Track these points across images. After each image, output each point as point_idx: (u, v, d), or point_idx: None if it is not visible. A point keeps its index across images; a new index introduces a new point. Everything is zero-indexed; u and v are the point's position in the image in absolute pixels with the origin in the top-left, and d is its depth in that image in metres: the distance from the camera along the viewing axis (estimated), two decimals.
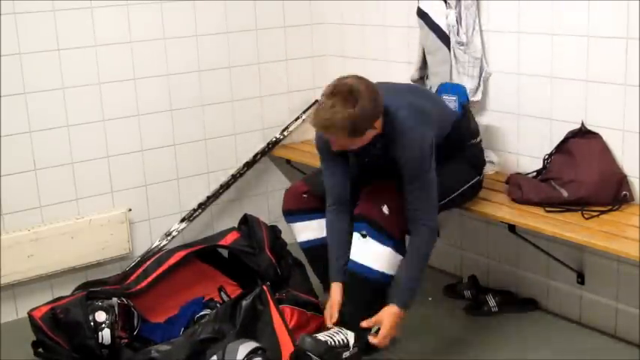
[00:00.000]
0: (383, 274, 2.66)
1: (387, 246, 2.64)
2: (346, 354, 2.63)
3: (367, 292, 2.69)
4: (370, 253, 2.65)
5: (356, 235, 2.66)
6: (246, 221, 3.35)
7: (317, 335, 2.63)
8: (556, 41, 2.96)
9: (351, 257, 2.69)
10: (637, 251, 2.45)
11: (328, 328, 2.71)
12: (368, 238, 2.62)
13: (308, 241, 2.99)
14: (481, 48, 3.16)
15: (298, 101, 3.96)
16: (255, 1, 3.74)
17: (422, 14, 3.30)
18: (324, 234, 2.90)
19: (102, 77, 3.38)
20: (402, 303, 2.64)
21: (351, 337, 2.66)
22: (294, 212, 2.97)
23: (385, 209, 2.61)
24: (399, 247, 2.67)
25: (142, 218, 3.59)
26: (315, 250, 2.98)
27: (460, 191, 2.85)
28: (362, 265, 2.66)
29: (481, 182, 2.96)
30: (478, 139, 2.97)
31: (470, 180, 2.89)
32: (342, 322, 2.69)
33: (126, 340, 2.91)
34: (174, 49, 3.55)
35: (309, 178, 3.05)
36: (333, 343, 2.60)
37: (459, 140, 2.88)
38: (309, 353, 2.55)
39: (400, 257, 2.67)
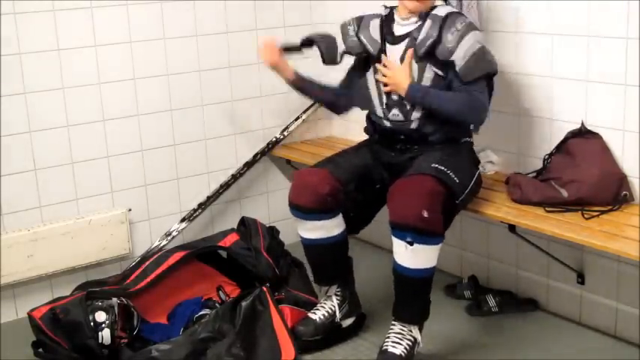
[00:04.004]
0: (434, 268, 2.69)
1: (435, 244, 2.65)
2: (417, 349, 2.75)
3: (422, 289, 2.72)
4: (420, 257, 2.64)
5: (401, 244, 2.62)
6: (244, 223, 3.35)
7: (390, 349, 2.69)
8: (556, 41, 2.96)
9: (400, 263, 2.66)
10: (637, 251, 2.45)
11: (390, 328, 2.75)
12: (415, 245, 2.60)
13: (310, 239, 2.93)
14: None
15: (298, 101, 3.95)
16: (255, 1, 3.74)
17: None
18: (328, 234, 2.90)
19: (102, 77, 3.38)
20: (415, 88, 2.77)
21: (416, 332, 2.74)
22: (308, 211, 2.86)
23: (425, 213, 2.58)
24: (443, 237, 2.69)
25: (142, 218, 3.59)
26: (315, 248, 2.95)
27: (470, 187, 2.85)
28: (414, 270, 2.65)
29: (481, 178, 2.97)
30: (471, 140, 3.00)
31: (474, 175, 2.89)
32: (405, 321, 2.74)
33: (125, 340, 2.91)
34: (174, 49, 3.55)
35: (330, 165, 2.93)
36: (406, 351, 2.70)
37: (461, 129, 2.92)
38: None
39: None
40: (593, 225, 2.66)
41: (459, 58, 2.74)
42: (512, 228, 2.85)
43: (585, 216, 2.71)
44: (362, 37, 2.95)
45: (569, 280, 3.08)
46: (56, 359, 2.82)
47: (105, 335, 2.85)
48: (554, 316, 3.15)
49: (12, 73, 3.17)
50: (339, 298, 3.02)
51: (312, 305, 3.06)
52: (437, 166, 2.72)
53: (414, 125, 2.86)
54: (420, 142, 2.89)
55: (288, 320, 2.94)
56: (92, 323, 2.84)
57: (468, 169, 2.87)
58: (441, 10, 2.82)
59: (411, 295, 2.72)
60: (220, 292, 3.27)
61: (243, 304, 2.89)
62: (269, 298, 2.93)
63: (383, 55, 2.88)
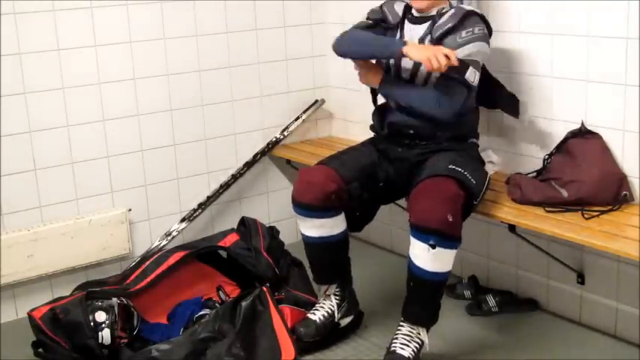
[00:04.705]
0: (450, 272, 2.70)
1: (455, 248, 2.67)
2: (423, 351, 2.75)
3: (437, 292, 2.73)
4: (440, 260, 2.64)
5: (423, 247, 2.61)
6: (244, 223, 3.35)
7: (398, 351, 2.70)
8: (556, 41, 2.96)
9: (419, 265, 2.66)
10: (637, 251, 2.45)
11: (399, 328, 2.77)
12: (438, 248, 2.60)
13: (312, 237, 2.92)
14: None
15: (298, 101, 3.96)
16: (255, 1, 3.74)
17: None
18: (329, 233, 2.89)
19: (102, 77, 3.38)
20: (387, 82, 2.90)
21: (424, 335, 2.75)
22: (311, 208, 2.84)
23: (450, 217, 2.60)
24: (461, 241, 2.70)
25: (142, 218, 3.59)
26: (316, 246, 2.94)
27: (484, 189, 2.86)
28: (433, 272, 2.65)
29: (490, 178, 2.97)
30: (477, 142, 3.01)
31: (486, 176, 2.91)
32: (415, 322, 2.74)
33: (125, 340, 2.91)
34: (174, 49, 3.55)
35: (336, 164, 2.91)
36: (414, 354, 2.71)
37: (469, 129, 2.94)
38: None
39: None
40: (593, 225, 2.66)
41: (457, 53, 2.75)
42: (512, 228, 2.85)
43: (585, 216, 2.71)
44: (384, 8, 2.98)
45: (569, 280, 3.08)
46: (56, 359, 2.82)
47: (105, 335, 2.85)
48: (554, 316, 3.15)
49: (12, 73, 3.18)
50: (337, 297, 3.02)
51: (312, 305, 3.06)
52: (454, 167, 2.72)
53: None
54: (428, 138, 2.89)
55: (288, 320, 2.94)
56: (92, 323, 2.84)
57: (480, 170, 2.89)
58: (466, 6, 2.85)
59: (425, 298, 2.72)
60: (220, 292, 3.27)
61: (243, 304, 2.89)
62: (269, 298, 2.93)
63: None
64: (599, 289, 2.99)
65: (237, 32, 3.72)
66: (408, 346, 2.71)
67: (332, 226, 2.89)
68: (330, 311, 2.99)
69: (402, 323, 2.77)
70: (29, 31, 3.19)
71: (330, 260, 2.99)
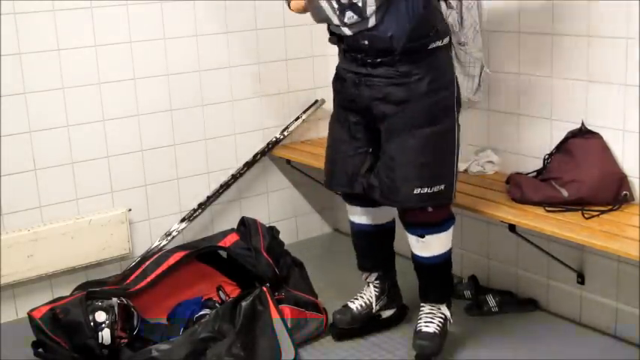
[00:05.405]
0: (450, 249, 2.81)
1: (445, 230, 2.76)
2: (449, 325, 2.87)
3: (442, 271, 2.85)
4: (433, 246, 2.77)
5: (414, 238, 2.78)
6: (244, 223, 3.35)
7: (424, 329, 2.79)
8: (555, 41, 2.96)
9: (416, 253, 2.81)
10: (637, 251, 2.45)
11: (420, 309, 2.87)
12: (427, 236, 2.74)
13: (358, 224, 3.02)
14: (482, 48, 3.16)
15: (298, 101, 3.96)
16: (255, 1, 3.74)
17: None
18: (373, 222, 2.98)
19: (102, 77, 3.38)
20: None
21: (445, 309, 2.87)
22: (355, 196, 2.93)
23: (430, 209, 2.69)
24: (453, 219, 2.79)
25: (142, 218, 3.59)
26: (358, 232, 3.04)
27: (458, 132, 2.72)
28: (429, 257, 2.79)
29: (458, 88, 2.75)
30: (443, 43, 2.68)
31: (456, 125, 2.70)
32: (432, 301, 2.86)
33: (125, 340, 2.91)
34: (174, 49, 3.55)
35: (335, 183, 2.96)
36: (439, 328, 2.81)
37: (427, 28, 2.63)
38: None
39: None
40: (593, 225, 2.66)
41: None
42: (512, 228, 2.86)
43: (585, 216, 2.71)
44: None
45: (569, 280, 3.08)
46: (56, 359, 2.82)
47: (105, 335, 2.85)
48: (554, 316, 3.15)
49: (12, 73, 3.17)
50: (377, 290, 3.07)
51: (312, 305, 3.07)
52: (420, 191, 2.63)
53: (371, 22, 2.62)
54: (385, 52, 2.65)
55: (288, 320, 2.94)
56: (92, 323, 2.84)
57: (450, 138, 2.70)
58: None
59: (432, 278, 2.85)
60: (220, 292, 3.27)
61: (243, 304, 2.89)
62: (269, 298, 2.93)
63: None
64: (599, 289, 2.99)
65: (237, 32, 3.72)
66: (432, 322, 2.81)
67: (376, 215, 2.97)
68: (368, 302, 3.05)
69: (422, 304, 2.88)
70: (29, 31, 3.19)
71: (369, 248, 3.05)
